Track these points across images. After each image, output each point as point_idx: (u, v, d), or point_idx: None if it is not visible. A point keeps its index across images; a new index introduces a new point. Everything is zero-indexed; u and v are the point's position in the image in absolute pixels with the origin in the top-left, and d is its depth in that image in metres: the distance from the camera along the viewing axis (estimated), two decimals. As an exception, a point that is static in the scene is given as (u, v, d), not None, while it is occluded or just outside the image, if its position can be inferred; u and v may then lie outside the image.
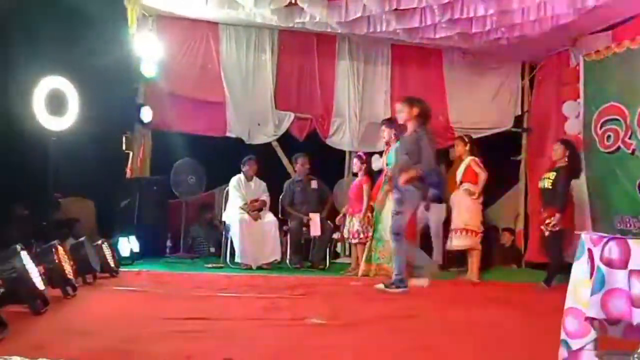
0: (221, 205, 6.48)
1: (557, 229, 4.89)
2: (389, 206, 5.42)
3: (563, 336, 1.98)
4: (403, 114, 4.60)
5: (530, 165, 7.72)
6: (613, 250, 1.83)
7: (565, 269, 4.85)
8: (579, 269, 1.99)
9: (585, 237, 1.99)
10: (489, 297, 4.53)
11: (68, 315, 2.96)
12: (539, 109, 7.81)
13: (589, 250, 1.94)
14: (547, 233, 5.06)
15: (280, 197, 6.52)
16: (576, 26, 6.24)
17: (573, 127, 6.89)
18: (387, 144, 5.73)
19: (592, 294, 1.82)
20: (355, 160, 6.16)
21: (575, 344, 1.92)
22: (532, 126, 7.94)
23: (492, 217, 7.31)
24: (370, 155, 6.65)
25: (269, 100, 7.25)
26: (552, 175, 5.02)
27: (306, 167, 6.45)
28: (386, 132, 5.64)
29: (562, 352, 1.97)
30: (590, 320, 1.83)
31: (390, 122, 5.76)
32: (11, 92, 4.49)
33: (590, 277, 1.89)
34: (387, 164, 5.63)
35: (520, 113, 8.01)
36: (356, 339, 2.70)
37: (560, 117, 7.12)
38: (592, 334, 1.89)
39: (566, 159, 5.04)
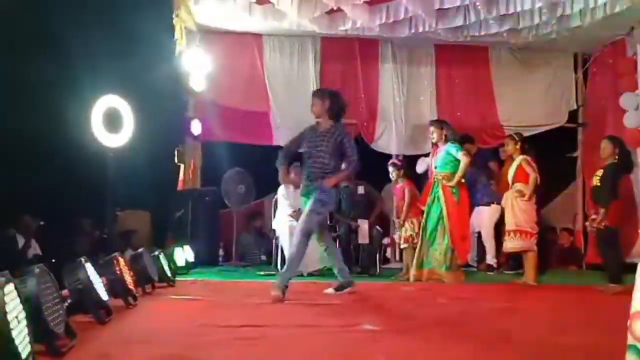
0: (271, 214, 6.57)
1: (603, 225, 4.67)
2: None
3: (631, 341, 1.87)
4: (316, 107, 4.30)
5: (587, 162, 7.39)
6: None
7: (622, 268, 4.66)
8: (646, 270, 1.88)
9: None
10: (546, 301, 4.35)
11: (130, 325, 3.07)
12: (595, 102, 7.48)
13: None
14: (591, 230, 4.85)
15: None
16: (631, 13, 5.93)
17: (632, 121, 6.55)
18: (436, 145, 5.64)
19: None
20: (390, 168, 6.01)
21: None
22: (587, 121, 7.62)
23: (549, 217, 7.05)
24: (406, 158, 6.57)
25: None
26: (600, 172, 4.81)
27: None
28: (436, 134, 5.55)
29: (631, 358, 1.87)
30: None
31: (440, 123, 5.67)
32: (72, 110, 4.74)
33: None
34: (435, 167, 5.54)
35: (574, 108, 7.70)
36: (409, 345, 2.66)
37: (617, 110, 6.78)
38: None
39: (616, 156, 4.81)
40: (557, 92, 7.67)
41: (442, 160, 5.46)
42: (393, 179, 5.99)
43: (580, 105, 7.71)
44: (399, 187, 5.94)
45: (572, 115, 7.69)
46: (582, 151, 7.62)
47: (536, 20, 6.08)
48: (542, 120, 7.54)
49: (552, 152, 6.80)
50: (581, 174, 7.56)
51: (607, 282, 4.74)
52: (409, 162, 6.41)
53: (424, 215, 5.55)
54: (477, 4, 5.71)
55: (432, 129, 5.65)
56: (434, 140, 5.63)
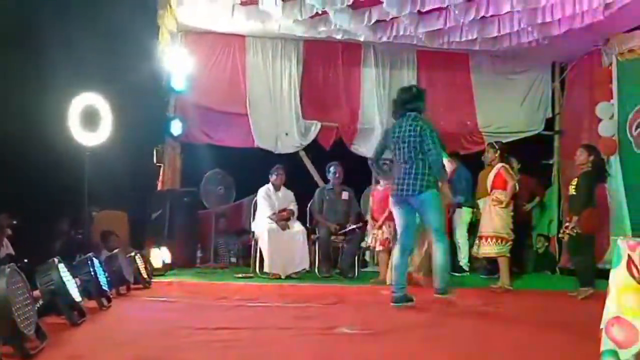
0: (250, 216, 6.54)
1: (575, 233, 4.78)
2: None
3: (609, 346, 1.91)
4: None
5: (563, 169, 7.53)
6: (653, 255, 1.77)
7: (594, 272, 4.77)
8: (619, 276, 1.93)
9: (622, 243, 1.93)
10: (520, 305, 4.42)
11: (104, 326, 3.02)
12: (571, 111, 7.63)
13: (629, 255, 1.88)
14: (565, 237, 4.96)
15: (310, 203, 6.50)
16: (608, 25, 6.07)
17: (607, 129, 6.70)
18: None
19: None
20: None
21: (624, 354, 1.85)
22: (564, 129, 7.76)
23: (526, 222, 7.15)
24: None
25: (295, 109, 7.32)
26: (575, 181, 4.94)
27: (339, 177, 6.40)
28: None
29: None
30: None
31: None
32: (48, 108, 4.66)
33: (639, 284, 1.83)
34: None
35: (551, 116, 7.85)
36: (387, 348, 2.67)
37: (593, 119, 6.94)
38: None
39: (590, 164, 4.93)
40: (535, 99, 7.80)
41: None
42: (377, 181, 5.95)
43: (557, 113, 7.86)
44: (381, 190, 5.90)
45: (549, 123, 7.84)
46: (559, 158, 7.76)
47: (515, 28, 6.18)
48: (520, 127, 7.66)
49: (529, 158, 6.90)
50: (557, 180, 7.70)
51: (579, 286, 4.84)
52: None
53: None
54: (454, 6, 5.76)
55: None
56: None
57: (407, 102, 4.10)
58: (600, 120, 6.79)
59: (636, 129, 6.35)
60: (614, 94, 6.68)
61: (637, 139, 6.24)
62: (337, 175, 6.36)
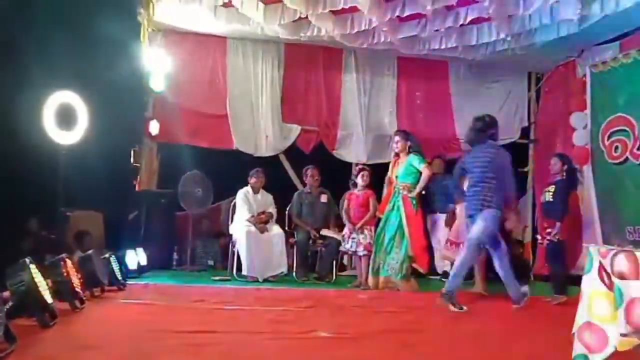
0: (228, 218, 6.49)
1: (557, 239, 4.91)
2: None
3: (581, 351, 1.95)
4: None
5: (538, 177, 7.68)
6: (622, 262, 1.82)
7: (568, 280, 4.88)
8: (591, 282, 1.97)
9: (594, 250, 1.97)
10: (495, 310, 4.49)
11: (76, 329, 2.96)
12: (546, 120, 7.80)
13: (600, 262, 1.93)
14: (545, 243, 5.07)
15: (289, 207, 6.51)
16: (582, 37, 6.24)
17: (581, 139, 6.87)
18: (397, 155, 5.71)
19: (617, 309, 1.79)
20: (363, 173, 5.99)
21: (594, 359, 1.89)
22: (539, 138, 7.92)
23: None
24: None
25: (275, 112, 7.31)
26: (552, 188, 5.08)
27: (316, 180, 6.42)
28: (400, 144, 5.63)
29: None
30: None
31: (406, 133, 5.75)
32: (21, 106, 4.55)
33: (610, 290, 1.87)
34: (397, 177, 5.60)
35: (527, 124, 8.01)
36: (363, 352, 2.68)
37: (567, 129, 7.10)
38: (610, 348, 1.86)
39: (564, 173, 5.10)
40: (511, 108, 7.95)
41: (405, 171, 5.54)
42: (360, 184, 5.94)
43: (533, 122, 8.02)
44: (362, 194, 5.91)
45: (524, 132, 7.99)
46: (533, 166, 7.91)
47: (493, 37, 6.29)
48: (496, 135, 7.79)
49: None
50: (531, 188, 7.84)
51: (553, 292, 4.94)
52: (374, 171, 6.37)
53: (381, 223, 5.60)
54: (432, 15, 5.84)
55: (397, 138, 5.73)
56: (397, 150, 5.70)
57: (480, 130, 4.58)
58: (574, 129, 6.96)
59: (608, 138, 6.52)
60: (587, 105, 6.85)
61: (610, 149, 6.40)
62: (314, 177, 6.37)
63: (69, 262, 3.44)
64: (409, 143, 5.59)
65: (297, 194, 6.54)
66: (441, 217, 6.59)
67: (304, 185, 6.66)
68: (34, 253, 3.50)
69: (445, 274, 6.62)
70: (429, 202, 6.43)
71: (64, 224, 5.25)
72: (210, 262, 7.06)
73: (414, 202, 5.49)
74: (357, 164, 6.96)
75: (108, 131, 5.28)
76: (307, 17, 6.04)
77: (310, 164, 6.61)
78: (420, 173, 5.48)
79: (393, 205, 5.53)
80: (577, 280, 2.18)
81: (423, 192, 5.73)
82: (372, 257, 5.58)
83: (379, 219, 5.69)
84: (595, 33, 6.24)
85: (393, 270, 5.44)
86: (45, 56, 4.78)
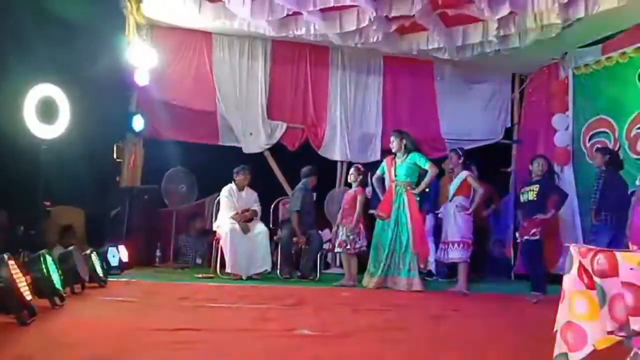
0: (212, 215, 6.45)
1: (536, 238, 4.98)
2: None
3: (562, 349, 1.97)
4: None
5: (520, 177, 7.77)
6: (602, 262, 1.84)
7: (547, 278, 4.97)
8: (571, 281, 1.99)
9: (574, 249, 2.00)
10: (477, 309, 4.54)
11: (55, 326, 2.92)
12: (529, 121, 7.89)
13: (580, 262, 1.95)
14: (523, 240, 5.14)
15: (291, 206, 6.30)
16: (565, 40, 6.33)
17: (562, 140, 6.97)
18: (393, 154, 5.71)
19: (600, 309, 1.81)
20: (352, 170, 5.97)
21: (574, 357, 1.92)
22: (522, 138, 8.02)
23: (483, 228, 7.34)
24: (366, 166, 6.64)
25: (261, 109, 7.27)
26: (536, 187, 5.12)
27: (247, 179, 6.19)
28: (396, 143, 5.63)
29: None
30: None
31: (400, 133, 5.73)
32: (1, 98, 4.46)
33: (590, 290, 1.89)
34: (396, 176, 5.59)
35: (510, 125, 8.10)
36: (346, 350, 2.68)
37: (549, 130, 7.19)
38: (589, 347, 1.89)
39: (546, 173, 5.19)
40: (495, 109, 8.04)
41: (408, 169, 5.53)
42: (351, 181, 5.92)
43: (516, 123, 8.12)
44: (351, 192, 5.91)
45: (508, 132, 8.08)
46: (516, 167, 8.00)
47: (478, 39, 6.35)
48: (480, 135, 7.87)
49: (488, 166, 7.09)
50: (514, 188, 7.93)
51: (531, 290, 5.01)
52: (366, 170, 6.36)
53: (390, 224, 5.45)
54: (419, 14, 5.87)
55: (392, 138, 5.72)
56: (393, 150, 5.71)
57: None
58: (556, 130, 7.06)
59: (589, 140, 6.63)
60: (569, 106, 6.95)
61: (590, 150, 6.51)
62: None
63: (48, 258, 3.38)
64: (404, 142, 5.60)
65: (302, 191, 6.22)
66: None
67: (290, 183, 6.60)
68: (12, 249, 3.44)
69: (430, 273, 6.69)
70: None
71: (44, 220, 5.17)
72: (199, 261, 7.01)
73: (417, 199, 5.50)
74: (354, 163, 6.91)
75: (91, 126, 5.21)
76: (295, 13, 6.02)
77: (295, 162, 6.59)
78: (422, 171, 5.51)
79: (400, 205, 5.47)
80: (558, 279, 2.20)
81: (427, 190, 5.77)
82: (372, 257, 5.54)
83: (374, 218, 5.68)
84: (578, 36, 6.34)
85: (402, 269, 5.39)
86: (26, 47, 4.69)
